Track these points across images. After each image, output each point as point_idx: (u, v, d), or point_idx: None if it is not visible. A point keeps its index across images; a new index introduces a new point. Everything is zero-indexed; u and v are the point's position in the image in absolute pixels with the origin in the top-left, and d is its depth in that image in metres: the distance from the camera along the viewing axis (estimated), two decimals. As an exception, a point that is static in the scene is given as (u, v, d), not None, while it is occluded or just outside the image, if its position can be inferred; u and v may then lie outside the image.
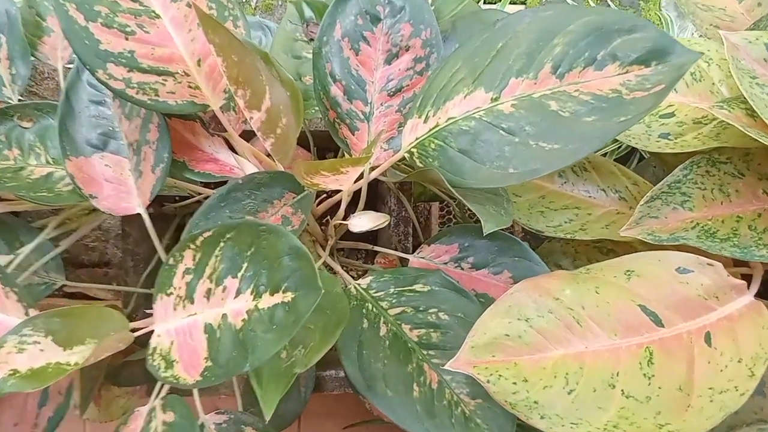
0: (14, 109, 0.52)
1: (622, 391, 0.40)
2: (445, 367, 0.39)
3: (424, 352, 0.45)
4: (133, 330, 0.45)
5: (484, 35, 0.44)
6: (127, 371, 0.61)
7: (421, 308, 0.46)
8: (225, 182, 0.48)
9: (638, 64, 0.40)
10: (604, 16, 0.41)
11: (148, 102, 0.44)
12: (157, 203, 0.65)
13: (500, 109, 0.41)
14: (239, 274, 0.38)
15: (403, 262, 0.61)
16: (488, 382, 0.39)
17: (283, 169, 0.52)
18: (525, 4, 1.06)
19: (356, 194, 0.54)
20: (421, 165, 0.44)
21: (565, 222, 0.52)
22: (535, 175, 0.39)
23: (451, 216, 0.81)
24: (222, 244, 0.39)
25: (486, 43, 0.43)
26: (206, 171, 0.51)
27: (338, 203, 0.54)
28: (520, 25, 0.43)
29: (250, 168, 0.51)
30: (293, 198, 0.49)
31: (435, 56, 0.47)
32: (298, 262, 0.34)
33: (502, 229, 0.51)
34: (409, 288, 0.47)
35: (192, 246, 0.40)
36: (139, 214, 0.61)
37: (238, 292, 0.38)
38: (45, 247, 0.55)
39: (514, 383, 0.39)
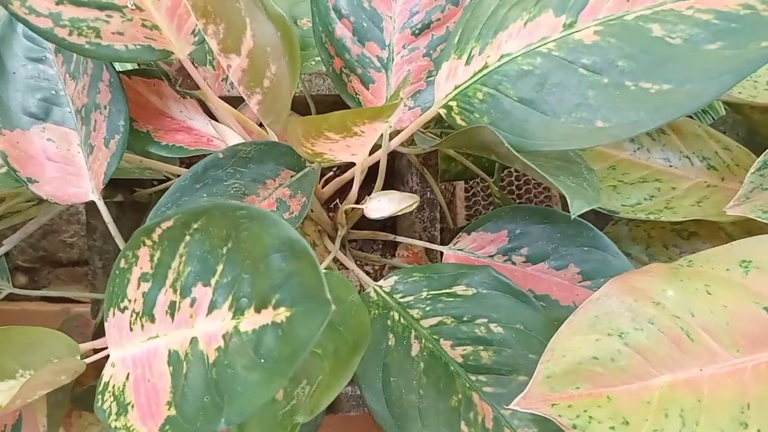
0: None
1: (758, 430, 0.28)
2: (512, 407, 0.28)
3: (473, 378, 0.33)
4: (88, 355, 0.34)
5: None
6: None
7: (464, 318, 0.35)
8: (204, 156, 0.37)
9: (777, -34, 0.27)
10: None
11: (87, 47, 0.32)
12: (128, 189, 0.53)
13: (578, 39, 0.29)
14: (212, 280, 0.26)
15: (431, 255, 0.50)
16: (574, 427, 0.27)
17: (276, 140, 0.40)
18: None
19: (371, 171, 0.42)
20: (463, 123, 0.32)
21: (645, 199, 0.41)
22: (638, 129, 0.27)
23: (482, 198, 0.69)
24: (188, 237, 0.27)
25: (550, -48, 0.31)
26: (176, 143, 0.39)
27: (349, 183, 0.42)
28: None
29: (234, 138, 0.39)
30: (291, 176, 0.38)
31: (475, -21, 0.35)
32: (294, 262, 0.23)
33: (561, 212, 0.39)
34: (448, 291, 0.36)
35: (148, 242, 0.28)
36: (107, 204, 0.49)
37: (212, 307, 0.26)
38: (-20, 247, 0.44)
39: (612, 428, 0.27)
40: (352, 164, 0.39)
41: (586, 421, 0.27)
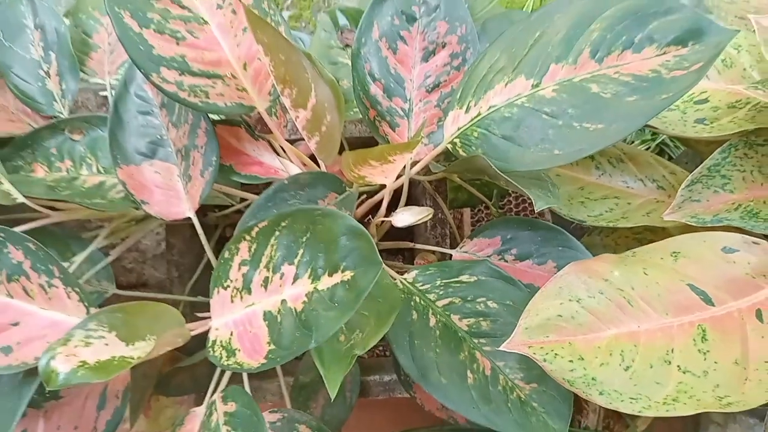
0: (65, 122, 0.54)
1: (678, 366, 0.40)
2: (501, 348, 0.39)
3: (475, 341, 0.45)
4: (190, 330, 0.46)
5: (521, 26, 0.45)
6: (176, 381, 0.62)
7: (468, 298, 0.47)
8: (268, 185, 0.50)
9: (676, 45, 0.41)
10: (640, 1, 0.42)
11: (200, 104, 0.45)
12: (200, 212, 0.66)
13: (542, 95, 0.42)
14: (296, 260, 0.39)
15: (444, 259, 0.62)
16: (545, 361, 0.39)
17: (325, 170, 0.53)
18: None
19: (394, 196, 0.55)
20: (464, 154, 0.45)
21: (606, 211, 0.53)
22: (581, 154, 0.40)
23: (485, 221, 0.81)
24: (277, 232, 0.40)
25: (523, 33, 0.45)
26: (252, 173, 0.52)
27: (378, 203, 0.54)
28: (556, 14, 0.44)
29: (294, 169, 0.52)
30: (336, 198, 0.50)
31: (471, 51, 0.49)
32: (356, 240, 0.35)
33: (542, 221, 0.51)
34: (456, 279, 0.48)
35: (247, 237, 0.41)
36: (183, 225, 0.62)
37: (296, 278, 0.38)
38: (95, 256, 0.57)
39: (571, 361, 0.39)
40: (379, 191, 0.51)
41: (553, 357, 0.39)
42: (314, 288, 0.37)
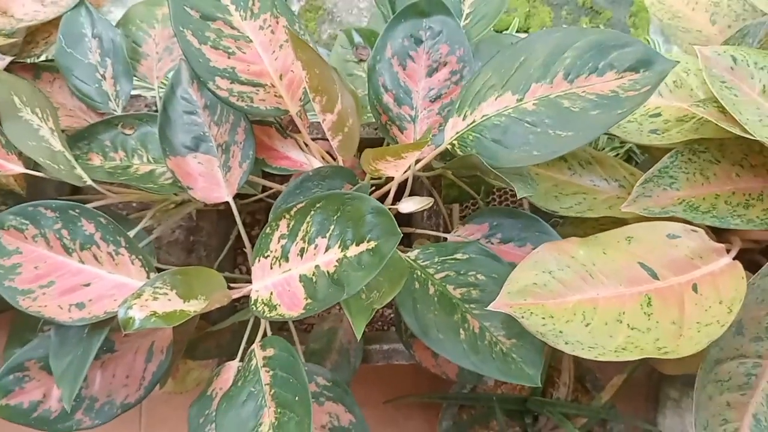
0: (118, 119, 0.64)
1: (628, 324, 0.51)
2: (488, 308, 0.50)
3: (466, 306, 0.55)
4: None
5: (509, 51, 0.55)
6: (203, 346, 0.71)
7: (461, 272, 0.57)
8: (286, 178, 0.60)
9: (630, 71, 0.51)
10: (604, 35, 0.53)
11: (246, 107, 0.55)
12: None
13: (525, 108, 0.53)
14: (327, 234, 0.49)
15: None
16: (522, 318, 0.49)
17: (342, 165, 0.63)
18: (527, 31, 1.19)
19: (399, 188, 0.65)
20: (461, 153, 0.55)
21: (576, 204, 0.64)
22: (555, 155, 0.50)
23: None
24: (312, 212, 0.49)
25: (511, 57, 0.55)
26: (281, 166, 0.62)
27: (385, 194, 0.64)
28: (537, 43, 0.55)
29: (317, 163, 0.62)
30: (350, 188, 0.60)
31: (468, 69, 0.59)
32: (380, 217, 0.45)
33: (523, 211, 0.62)
34: (451, 257, 0.58)
35: (287, 216, 0.51)
36: (211, 211, 0.72)
37: (327, 248, 0.48)
38: (140, 234, 0.66)
39: (543, 318, 0.50)
40: (385, 184, 0.61)
41: (529, 315, 0.49)
42: (344, 255, 0.47)
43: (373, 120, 0.62)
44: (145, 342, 0.59)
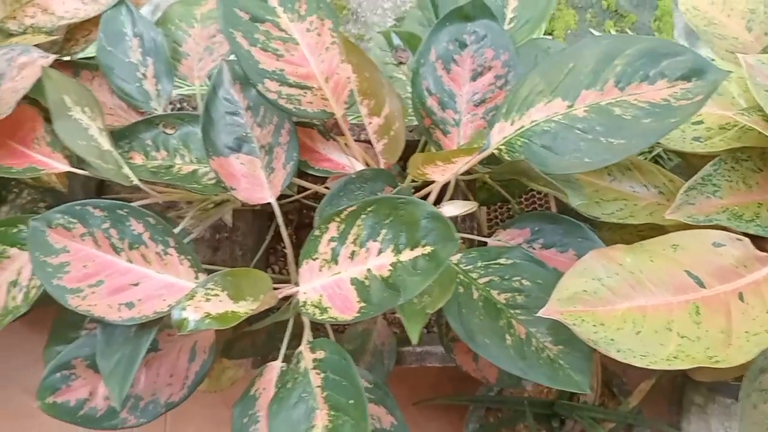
0: (159, 118, 0.64)
1: (677, 333, 0.50)
2: (538, 314, 0.50)
3: (511, 311, 0.56)
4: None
5: (557, 57, 0.55)
6: (239, 345, 0.71)
7: (506, 277, 0.57)
8: (323, 180, 0.60)
9: (682, 80, 0.51)
10: (654, 43, 0.53)
11: (293, 110, 0.55)
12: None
13: (575, 114, 0.53)
14: (379, 238, 0.49)
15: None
16: (574, 325, 0.49)
17: (383, 167, 0.63)
18: (551, 34, 1.19)
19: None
20: (508, 158, 0.55)
21: (617, 210, 0.64)
22: (606, 163, 0.50)
23: (496, 215, 0.92)
24: (363, 216, 0.49)
25: (559, 63, 0.55)
26: (324, 168, 0.62)
27: (425, 198, 0.64)
28: (585, 50, 0.55)
29: (359, 166, 0.62)
30: (391, 190, 0.60)
31: (513, 74, 0.59)
32: (435, 222, 0.45)
33: (564, 216, 0.62)
34: (495, 261, 0.58)
35: (337, 219, 0.51)
36: (246, 211, 0.72)
37: (380, 252, 0.48)
38: (180, 234, 0.66)
39: (594, 326, 0.50)
40: (423, 187, 0.61)
41: (581, 322, 0.49)
42: (397, 260, 0.47)
43: (412, 123, 0.62)
44: (189, 341, 0.60)
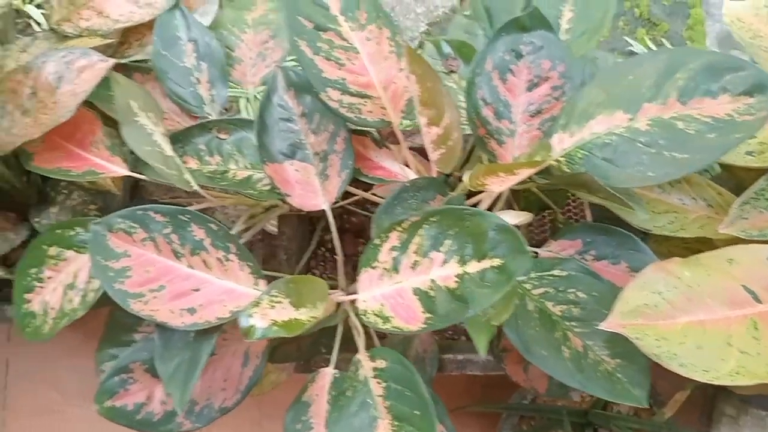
0: (213, 123, 0.64)
1: (737, 348, 0.51)
2: (600, 327, 0.50)
3: (567, 323, 0.56)
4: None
5: (615, 70, 0.56)
6: (283, 349, 0.71)
7: (560, 289, 0.57)
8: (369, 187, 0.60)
9: (744, 95, 0.51)
10: (716, 57, 0.53)
11: (354, 118, 0.55)
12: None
13: (637, 127, 0.53)
14: (442, 249, 0.49)
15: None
16: (637, 339, 0.50)
17: (435, 176, 0.63)
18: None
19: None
20: (567, 170, 0.55)
21: (668, 223, 0.64)
22: (670, 177, 0.51)
23: (537, 225, 0.93)
24: (426, 226, 0.50)
25: (617, 75, 0.55)
26: (377, 176, 0.62)
27: (474, 206, 0.65)
28: (645, 62, 0.55)
29: (412, 174, 0.62)
30: (441, 199, 0.60)
31: (569, 85, 0.59)
32: (504, 234, 0.45)
33: (617, 228, 0.62)
34: (549, 273, 0.58)
35: (398, 229, 0.51)
36: (291, 216, 0.72)
37: (444, 262, 0.48)
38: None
39: (657, 340, 0.50)
40: (472, 195, 0.61)
41: (643, 336, 0.50)
42: (463, 271, 0.47)
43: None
44: (242, 346, 0.60)
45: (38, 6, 0.95)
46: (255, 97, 0.89)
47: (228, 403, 0.58)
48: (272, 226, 0.73)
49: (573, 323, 0.56)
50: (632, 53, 1.08)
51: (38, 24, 0.95)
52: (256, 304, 0.49)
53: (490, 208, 0.64)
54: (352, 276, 0.84)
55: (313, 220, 0.80)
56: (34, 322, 0.60)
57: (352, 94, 0.55)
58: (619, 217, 0.67)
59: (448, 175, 0.66)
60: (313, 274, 0.86)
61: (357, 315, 0.52)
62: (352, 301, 0.54)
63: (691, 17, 1.23)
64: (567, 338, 0.55)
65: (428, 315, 0.47)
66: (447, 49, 0.71)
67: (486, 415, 0.97)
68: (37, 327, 0.59)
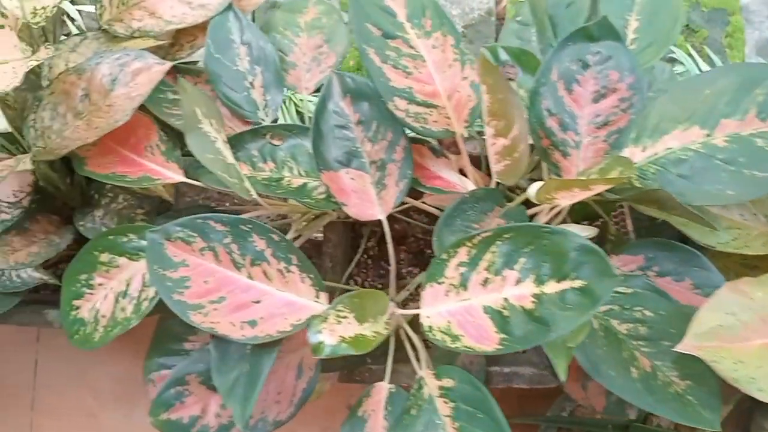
0: (267, 129, 0.62)
1: (815, 373, 0.49)
2: (675, 349, 0.48)
3: (634, 343, 0.54)
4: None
5: (688, 83, 0.54)
6: (328, 360, 0.70)
7: (626, 306, 0.56)
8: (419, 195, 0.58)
9: (827, 113, 0.50)
10: (798, 73, 0.51)
11: (420, 128, 0.54)
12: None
13: (714, 143, 0.51)
14: (516, 267, 0.47)
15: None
16: (714, 362, 0.48)
17: (493, 187, 0.62)
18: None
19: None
20: (639, 186, 0.53)
21: (732, 240, 0.62)
22: (751, 196, 0.49)
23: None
24: (499, 242, 0.48)
25: (691, 89, 0.54)
26: (435, 186, 0.61)
27: (530, 218, 0.63)
28: (720, 77, 0.53)
29: (470, 185, 0.61)
30: (499, 211, 0.59)
31: (637, 98, 0.57)
32: (589, 256, 0.44)
33: (680, 244, 0.61)
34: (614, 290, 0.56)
35: (468, 244, 0.50)
36: (337, 223, 0.71)
37: (518, 281, 0.47)
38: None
39: (734, 364, 0.48)
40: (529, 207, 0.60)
41: (720, 359, 0.48)
42: (541, 291, 0.46)
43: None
44: (295, 358, 0.59)
45: (72, 2, 0.93)
46: (290, 99, 0.87)
47: (282, 417, 0.57)
48: (318, 233, 0.72)
49: (640, 342, 0.54)
50: (673, 60, 1.06)
51: (72, 21, 0.93)
52: (324, 319, 0.47)
53: (549, 221, 0.62)
54: (396, 284, 0.83)
55: (354, 226, 0.78)
56: (84, 330, 0.58)
57: (418, 104, 0.54)
58: (661, 230, 0.66)
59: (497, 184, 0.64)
60: (354, 282, 0.85)
61: (418, 330, 0.51)
62: (415, 316, 0.53)
63: (730, 24, 1.21)
64: (635, 358, 0.53)
65: (503, 336, 0.46)
66: (504, 56, 0.69)
67: (523, 427, 0.96)
68: (87, 334, 0.58)
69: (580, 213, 0.76)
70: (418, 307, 0.51)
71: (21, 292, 0.67)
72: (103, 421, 1.00)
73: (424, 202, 0.67)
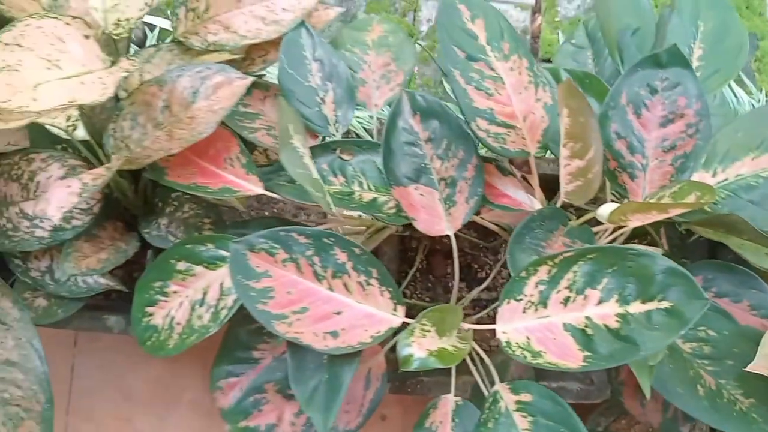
0: (336, 143, 0.64)
1: None
2: (746, 369, 0.50)
3: (699, 362, 0.56)
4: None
5: (758, 112, 0.56)
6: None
7: (691, 326, 0.57)
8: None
9: None
10: None
11: (499, 148, 0.56)
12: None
13: (785, 172, 0.53)
14: (599, 287, 0.49)
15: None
16: (785, 383, 0.50)
17: (558, 206, 0.63)
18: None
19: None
20: (709, 210, 0.55)
21: (787, 263, 0.64)
22: (825, 224, 0.51)
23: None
24: (581, 262, 0.50)
25: (761, 119, 0.55)
26: (503, 204, 0.62)
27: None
28: (788, 106, 0.55)
29: (538, 204, 0.63)
30: (563, 229, 0.61)
31: (704, 123, 0.59)
32: (675, 278, 0.46)
33: (739, 266, 0.62)
34: (677, 309, 0.58)
35: (549, 263, 0.51)
36: (393, 237, 0.72)
37: (601, 301, 0.49)
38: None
39: (805, 385, 0.50)
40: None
41: (791, 381, 0.50)
42: (625, 311, 0.47)
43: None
44: (363, 369, 0.60)
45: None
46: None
47: (351, 426, 0.58)
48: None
49: (704, 361, 0.56)
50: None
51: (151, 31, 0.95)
52: (411, 332, 0.49)
53: (612, 241, 0.64)
54: (444, 298, 0.84)
55: (404, 240, 0.80)
56: (157, 336, 0.59)
57: (498, 124, 0.56)
58: (692, 249, 0.68)
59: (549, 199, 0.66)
60: (404, 295, 0.86)
61: (502, 347, 0.52)
62: (492, 331, 0.55)
63: (759, 49, 1.24)
64: (700, 376, 0.55)
65: (587, 353, 0.47)
66: (566, 76, 0.71)
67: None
68: (161, 341, 0.59)
69: (632, 235, 0.78)
70: (479, 323, 0.53)
71: (85, 297, 0.68)
72: (138, 426, 1.00)
73: (482, 218, 0.69)
